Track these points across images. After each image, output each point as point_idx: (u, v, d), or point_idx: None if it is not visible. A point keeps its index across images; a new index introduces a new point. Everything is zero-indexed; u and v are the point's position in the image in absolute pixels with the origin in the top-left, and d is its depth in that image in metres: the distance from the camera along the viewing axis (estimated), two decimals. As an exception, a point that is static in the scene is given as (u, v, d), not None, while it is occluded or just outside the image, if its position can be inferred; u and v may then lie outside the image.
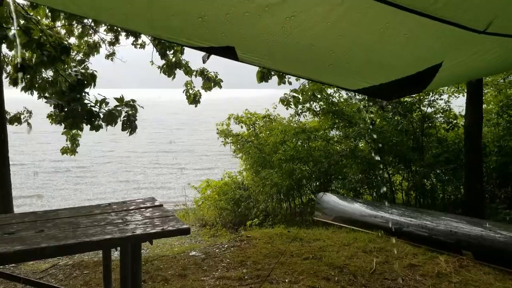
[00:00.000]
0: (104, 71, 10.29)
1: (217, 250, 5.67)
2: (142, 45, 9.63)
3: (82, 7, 2.01)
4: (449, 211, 7.23)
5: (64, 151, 9.07)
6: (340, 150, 9.19)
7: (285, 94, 8.69)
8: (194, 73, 9.44)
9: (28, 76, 6.90)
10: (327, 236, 6.16)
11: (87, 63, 9.84)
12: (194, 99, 9.41)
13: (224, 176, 10.78)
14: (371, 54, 2.17)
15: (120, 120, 6.32)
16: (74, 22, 8.37)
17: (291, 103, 9.04)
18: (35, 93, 7.50)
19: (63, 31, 8.69)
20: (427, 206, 8.20)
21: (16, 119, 9.40)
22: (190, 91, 9.41)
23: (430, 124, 8.66)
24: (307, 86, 9.14)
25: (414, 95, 9.08)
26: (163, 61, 9.27)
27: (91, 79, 6.78)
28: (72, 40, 9.14)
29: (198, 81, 9.54)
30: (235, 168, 11.28)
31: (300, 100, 9.22)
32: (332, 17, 1.75)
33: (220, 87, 9.40)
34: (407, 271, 4.94)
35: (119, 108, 6.32)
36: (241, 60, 2.30)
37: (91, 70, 9.77)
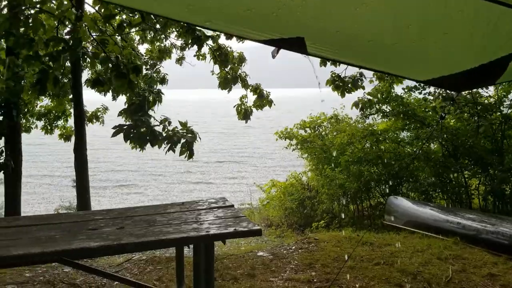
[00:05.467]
0: (172, 71, 10.65)
1: (284, 251, 5.66)
2: (203, 57, 9.85)
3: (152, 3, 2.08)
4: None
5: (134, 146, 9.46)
6: (411, 152, 8.86)
7: (358, 98, 8.53)
8: (250, 88, 9.52)
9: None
10: (398, 241, 5.94)
11: (158, 66, 10.27)
12: (245, 114, 9.47)
13: (290, 177, 10.75)
14: (440, 44, 2.09)
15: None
16: (147, 29, 8.71)
17: (366, 107, 8.87)
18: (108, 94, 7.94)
19: (137, 37, 9.08)
20: (506, 213, 7.68)
21: (95, 116, 9.96)
22: (242, 107, 9.48)
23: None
24: (382, 89, 8.92)
25: (492, 95, 8.58)
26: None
27: (156, 98, 7.07)
28: (145, 46, 9.52)
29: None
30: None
31: (374, 103, 9.02)
32: (402, 6, 1.69)
33: (270, 106, 9.45)
34: (486, 281, 4.65)
35: (180, 132, 6.61)
36: (309, 53, 2.29)
37: (162, 73, 10.21)
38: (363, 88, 8.42)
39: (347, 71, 8.82)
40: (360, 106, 8.51)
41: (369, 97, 8.65)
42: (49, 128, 11.07)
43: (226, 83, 9.49)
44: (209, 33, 8.76)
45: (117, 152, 29.94)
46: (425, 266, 4.98)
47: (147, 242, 2.87)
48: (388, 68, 2.86)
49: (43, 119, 11.00)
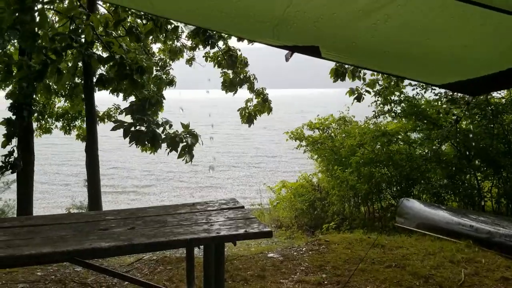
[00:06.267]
0: (176, 72, 10.71)
1: (295, 253, 5.63)
2: (212, 58, 9.90)
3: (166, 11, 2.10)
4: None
5: (144, 149, 9.50)
6: (423, 153, 8.76)
7: (356, 87, 8.47)
8: (255, 92, 9.57)
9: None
10: (410, 244, 5.89)
11: (168, 68, 10.31)
12: (249, 118, 9.50)
13: (300, 178, 10.70)
14: (459, 53, 2.06)
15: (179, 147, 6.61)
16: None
17: (356, 96, 8.81)
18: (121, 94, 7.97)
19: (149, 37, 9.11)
20: (520, 216, 7.58)
21: (107, 115, 10.00)
22: (246, 110, 9.53)
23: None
24: (381, 82, 8.86)
25: (504, 95, 8.48)
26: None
27: (158, 102, 7.09)
28: (158, 45, 9.57)
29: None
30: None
31: (372, 94, 8.95)
32: (424, 20, 1.68)
33: (269, 113, 9.50)
34: (500, 285, 4.59)
35: (182, 135, 6.62)
36: (323, 58, 2.28)
37: (171, 75, 10.25)
38: (364, 80, 8.40)
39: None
40: (355, 94, 8.45)
41: (367, 88, 8.59)
42: (67, 128, 11.24)
43: (232, 85, 9.54)
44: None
45: (123, 154, 29.79)
46: (437, 269, 4.92)
47: (158, 242, 2.87)
48: (403, 73, 2.84)
49: (61, 120, 11.17)
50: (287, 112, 57.85)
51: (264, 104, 9.51)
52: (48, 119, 11.04)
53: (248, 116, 9.57)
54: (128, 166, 27.74)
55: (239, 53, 9.62)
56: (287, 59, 2.38)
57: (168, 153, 6.71)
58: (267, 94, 9.70)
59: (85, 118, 10.69)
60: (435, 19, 1.63)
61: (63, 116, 11.10)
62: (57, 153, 31.65)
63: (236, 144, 38.91)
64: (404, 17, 1.65)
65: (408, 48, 2.02)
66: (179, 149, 6.57)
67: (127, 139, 6.48)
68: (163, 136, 6.67)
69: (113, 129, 6.46)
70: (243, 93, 9.85)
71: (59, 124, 11.41)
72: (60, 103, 11.13)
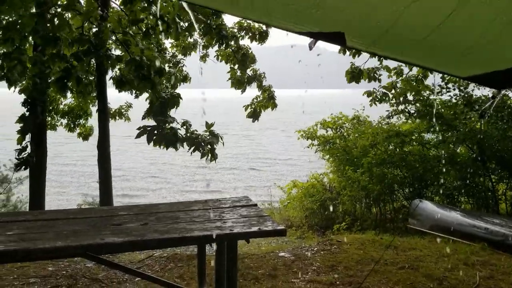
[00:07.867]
0: (194, 69, 10.67)
1: (306, 253, 5.59)
2: (223, 56, 9.89)
3: None
4: None
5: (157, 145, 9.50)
6: (436, 154, 8.65)
7: (374, 89, 8.46)
8: (263, 89, 9.60)
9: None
10: (423, 246, 5.81)
11: (181, 65, 10.29)
12: (254, 114, 9.53)
13: (311, 178, 10.63)
14: (487, 41, 1.99)
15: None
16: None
17: (377, 99, 8.80)
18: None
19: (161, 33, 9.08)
20: (535, 219, 7.43)
21: (118, 113, 10.02)
22: (252, 106, 9.55)
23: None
24: (399, 85, 8.82)
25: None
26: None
27: (175, 100, 7.09)
28: (171, 40, 9.57)
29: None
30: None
31: (390, 97, 8.93)
32: (452, 3, 1.62)
33: (273, 108, 9.53)
34: (516, 289, 4.51)
35: (204, 134, 6.63)
36: (348, 46, 2.23)
37: (185, 71, 10.24)
38: (379, 81, 8.41)
39: (366, 65, 8.83)
40: (372, 97, 8.47)
41: (384, 90, 8.58)
42: (72, 126, 11.13)
43: (240, 83, 9.55)
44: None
45: (124, 157, 29.47)
46: (451, 272, 4.84)
47: (171, 238, 2.84)
48: (427, 63, 2.76)
49: (66, 117, 11.06)
50: (295, 113, 57.71)
51: (269, 101, 9.54)
52: (54, 115, 10.94)
53: (253, 112, 9.59)
54: (130, 167, 27.59)
55: (249, 50, 9.61)
56: (310, 48, 2.35)
57: (191, 153, 6.76)
58: (274, 91, 9.73)
59: (89, 117, 10.73)
60: (465, 3, 1.58)
61: (68, 113, 10.95)
62: (64, 151, 31.76)
63: (244, 146, 38.79)
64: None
65: (433, 34, 1.97)
66: (203, 150, 6.62)
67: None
68: (184, 136, 6.70)
69: (137, 136, 6.49)
70: (252, 92, 9.84)
71: (64, 121, 11.24)
72: (67, 101, 11.00)
